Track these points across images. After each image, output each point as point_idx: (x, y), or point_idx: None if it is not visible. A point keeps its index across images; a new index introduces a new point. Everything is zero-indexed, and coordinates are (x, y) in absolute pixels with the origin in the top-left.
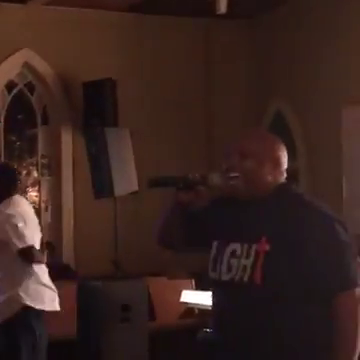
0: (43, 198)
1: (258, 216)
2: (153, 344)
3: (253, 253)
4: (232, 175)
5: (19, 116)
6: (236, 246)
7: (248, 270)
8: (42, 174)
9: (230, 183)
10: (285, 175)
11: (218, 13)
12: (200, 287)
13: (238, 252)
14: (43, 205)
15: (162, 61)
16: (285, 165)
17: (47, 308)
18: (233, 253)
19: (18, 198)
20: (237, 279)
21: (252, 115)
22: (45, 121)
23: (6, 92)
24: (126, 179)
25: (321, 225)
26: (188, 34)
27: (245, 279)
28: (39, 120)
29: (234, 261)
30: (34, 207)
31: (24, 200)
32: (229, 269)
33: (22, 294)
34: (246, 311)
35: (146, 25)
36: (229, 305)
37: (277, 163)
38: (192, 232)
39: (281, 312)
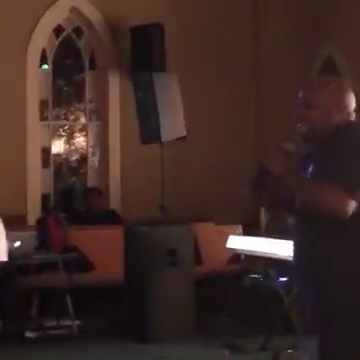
0: (90, 143)
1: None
2: (199, 289)
3: None
4: (301, 126)
5: (67, 61)
6: None
7: None
8: (89, 119)
9: (300, 133)
10: (353, 114)
11: None
12: (247, 233)
13: None
14: (90, 150)
15: (210, 5)
16: (352, 105)
17: None
18: None
19: None
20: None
21: (301, 60)
22: (93, 66)
23: (54, 37)
24: (173, 124)
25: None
26: None
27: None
28: (87, 65)
29: None
30: (81, 152)
31: None
32: None
33: None
34: None
35: None
36: None
37: (341, 106)
38: None
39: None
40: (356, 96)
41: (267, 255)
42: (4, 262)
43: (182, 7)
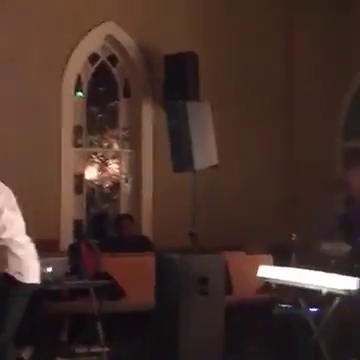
0: (123, 170)
1: None
2: (230, 318)
3: None
4: None
5: (101, 88)
6: None
7: None
8: (123, 146)
9: None
10: None
11: None
12: (278, 263)
13: None
14: (123, 177)
15: (244, 35)
16: None
17: None
18: None
19: None
20: None
21: (335, 88)
22: (127, 94)
23: (89, 64)
24: (206, 153)
25: None
26: (270, 9)
27: None
28: (121, 92)
29: None
30: (114, 179)
31: None
32: None
33: None
34: None
35: None
36: None
37: None
38: None
39: None
40: None
41: (297, 285)
42: (36, 285)
43: (216, 36)
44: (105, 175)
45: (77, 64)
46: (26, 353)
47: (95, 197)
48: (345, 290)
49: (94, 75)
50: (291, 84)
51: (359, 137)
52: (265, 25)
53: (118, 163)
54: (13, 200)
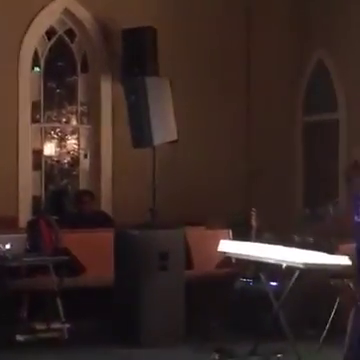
0: (82, 146)
1: None
2: (190, 292)
3: None
4: None
5: (59, 63)
6: None
7: None
8: (81, 122)
9: None
10: None
11: None
12: (237, 237)
13: None
14: (82, 153)
15: (202, 10)
16: None
17: None
18: None
19: None
20: None
21: (293, 65)
22: (85, 69)
23: (46, 39)
24: (165, 128)
25: None
26: None
27: None
28: (79, 67)
29: None
30: (73, 155)
31: None
32: None
33: None
34: None
35: None
36: None
37: None
38: None
39: None
40: (347, 96)
41: (258, 259)
42: None
43: (175, 11)
44: (64, 151)
45: (34, 39)
46: None
47: (54, 173)
48: (304, 264)
49: (51, 50)
50: (250, 57)
51: (318, 111)
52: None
53: (77, 139)
54: None
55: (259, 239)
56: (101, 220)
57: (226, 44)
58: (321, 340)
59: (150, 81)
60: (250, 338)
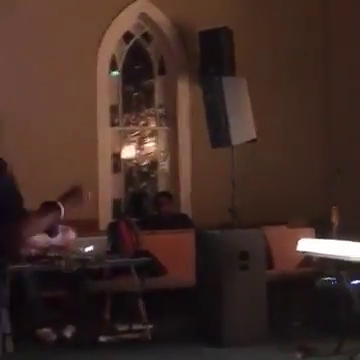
0: (160, 148)
1: None
2: (271, 292)
3: None
4: None
5: (136, 66)
6: None
7: None
8: (159, 124)
9: None
10: None
11: None
12: (319, 235)
13: None
14: (161, 155)
15: (279, 9)
16: None
17: None
18: None
19: None
20: None
21: None
22: (162, 71)
23: (124, 43)
24: (243, 128)
25: None
26: None
27: None
28: (156, 70)
29: None
30: (152, 157)
31: None
32: None
33: None
34: None
35: None
36: None
37: None
38: None
39: None
40: None
41: (339, 258)
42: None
43: (250, 11)
44: (142, 153)
45: (111, 43)
46: (68, 332)
47: (133, 176)
48: None
49: (129, 54)
50: (328, 53)
51: None
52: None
53: (155, 141)
54: None
55: (340, 237)
56: (181, 221)
57: (304, 42)
58: None
59: (227, 81)
60: (332, 337)
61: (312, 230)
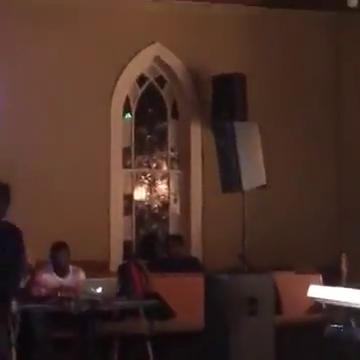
0: (172, 191)
1: None
2: (280, 338)
3: None
4: None
5: (150, 109)
6: None
7: None
8: (171, 167)
9: None
10: None
11: (349, 6)
12: (328, 282)
13: None
14: (172, 198)
15: (291, 56)
16: None
17: None
18: None
19: None
20: None
21: None
22: (175, 115)
23: (137, 86)
24: (254, 173)
25: None
26: (317, 29)
27: None
28: (169, 114)
29: None
30: (163, 200)
31: None
32: None
33: None
34: None
35: (275, 19)
36: None
37: None
38: None
39: None
40: None
41: (349, 305)
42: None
43: (263, 57)
44: (154, 196)
45: (125, 86)
46: None
47: (144, 218)
48: None
49: (142, 97)
50: (339, 105)
51: None
52: (312, 46)
53: (167, 184)
54: None
55: (350, 284)
56: (191, 265)
57: (315, 87)
58: None
59: (239, 126)
60: None
61: (319, 276)
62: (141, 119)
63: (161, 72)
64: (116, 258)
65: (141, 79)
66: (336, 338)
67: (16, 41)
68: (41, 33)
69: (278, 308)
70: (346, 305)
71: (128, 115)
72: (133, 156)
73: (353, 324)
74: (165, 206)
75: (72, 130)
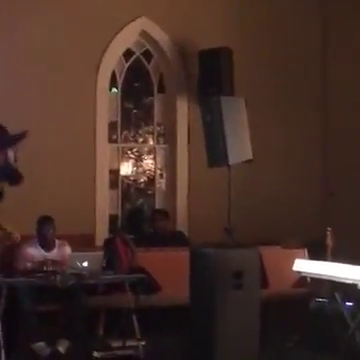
0: (158, 166)
1: None
2: (265, 311)
3: None
4: None
5: (136, 84)
6: None
7: None
8: (158, 142)
9: None
10: None
11: None
12: (313, 257)
13: None
14: (158, 172)
15: (279, 30)
16: None
17: None
18: None
19: None
20: None
21: None
22: (161, 89)
23: (124, 60)
24: (240, 147)
25: None
26: (305, 1)
27: None
28: (155, 88)
29: None
30: (149, 174)
31: None
32: None
33: None
34: None
35: None
36: None
37: None
38: None
39: None
40: None
41: (333, 279)
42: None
43: (251, 32)
44: (140, 170)
45: (112, 60)
46: (62, 346)
47: (130, 192)
48: None
49: (129, 71)
50: (326, 79)
51: None
52: (300, 21)
53: (153, 158)
54: None
55: (335, 259)
56: (176, 239)
57: (302, 63)
58: None
59: (226, 101)
60: (325, 358)
61: (305, 251)
62: (127, 93)
63: (148, 46)
64: (102, 232)
65: (128, 53)
66: (321, 312)
67: (1, 16)
68: (27, 7)
69: (264, 282)
70: (331, 279)
71: (114, 89)
72: (119, 131)
73: (338, 298)
74: (151, 181)
75: (58, 105)
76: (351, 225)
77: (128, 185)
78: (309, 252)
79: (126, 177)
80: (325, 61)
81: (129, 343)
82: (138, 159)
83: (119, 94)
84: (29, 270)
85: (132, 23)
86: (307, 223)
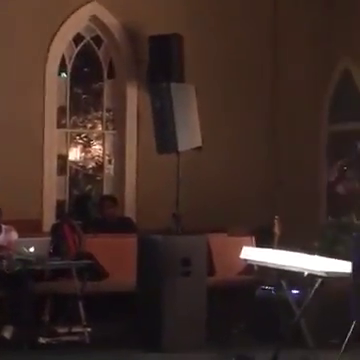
0: (107, 151)
1: None
2: (212, 298)
3: None
4: None
5: (86, 69)
6: None
7: None
8: (106, 128)
9: None
10: None
11: None
12: (260, 245)
13: None
14: (106, 158)
15: (229, 16)
16: None
17: None
18: None
19: None
20: None
21: (319, 73)
22: (111, 75)
23: (73, 45)
24: (190, 134)
25: None
26: None
27: None
28: (105, 73)
29: None
30: (97, 160)
31: None
32: None
33: None
34: None
35: None
36: None
37: None
38: None
39: None
40: None
41: (280, 267)
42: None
43: (201, 18)
44: (88, 156)
45: (61, 45)
46: (8, 332)
47: (78, 178)
48: (326, 272)
49: (78, 56)
50: (276, 67)
51: (344, 121)
52: (250, 7)
53: (102, 144)
54: None
55: (281, 247)
56: (125, 225)
57: (252, 51)
58: (343, 349)
59: (175, 87)
60: (271, 345)
61: (253, 239)
62: (77, 79)
63: (98, 31)
64: (49, 218)
65: (78, 38)
66: (267, 299)
67: None
68: None
69: (211, 269)
70: (277, 267)
71: (63, 74)
72: (68, 116)
73: (284, 285)
74: (100, 167)
75: (6, 88)
76: (298, 213)
77: (76, 171)
78: (256, 240)
79: (74, 163)
80: (276, 45)
81: (75, 329)
82: (87, 145)
83: (68, 79)
84: None
85: (83, 8)
86: (255, 211)
